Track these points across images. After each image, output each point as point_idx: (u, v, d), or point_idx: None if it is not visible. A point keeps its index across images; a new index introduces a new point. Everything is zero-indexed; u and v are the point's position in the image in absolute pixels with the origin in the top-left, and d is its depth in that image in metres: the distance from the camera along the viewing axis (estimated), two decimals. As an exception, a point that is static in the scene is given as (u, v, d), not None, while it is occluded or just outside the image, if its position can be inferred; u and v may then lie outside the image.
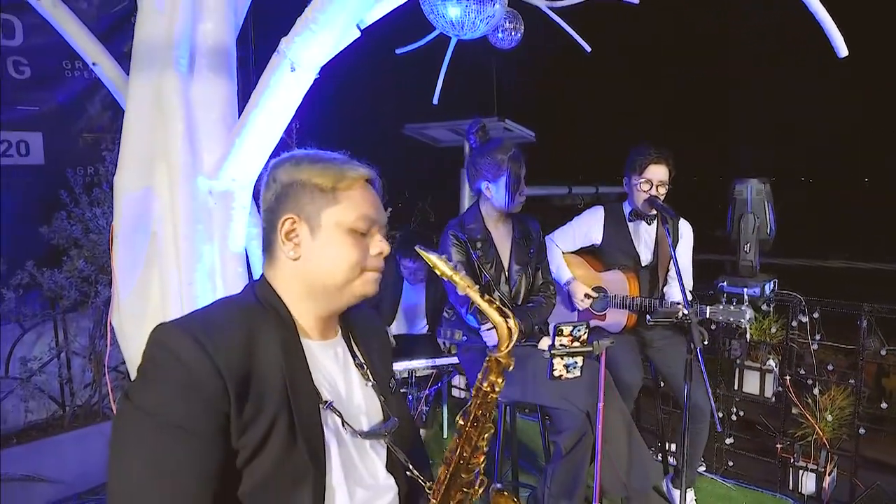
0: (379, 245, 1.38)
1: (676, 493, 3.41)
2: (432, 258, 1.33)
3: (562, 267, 3.45)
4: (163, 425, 1.11)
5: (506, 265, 2.91)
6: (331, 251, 1.33)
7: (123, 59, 2.18)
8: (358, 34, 2.10)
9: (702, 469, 3.92)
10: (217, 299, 1.38)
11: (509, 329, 1.30)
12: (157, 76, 1.98)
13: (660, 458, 3.72)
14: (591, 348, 2.21)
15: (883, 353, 3.53)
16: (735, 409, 3.97)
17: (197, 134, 2.05)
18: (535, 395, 2.66)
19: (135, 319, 2.25)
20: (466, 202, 5.93)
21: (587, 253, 3.57)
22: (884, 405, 3.52)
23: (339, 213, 1.33)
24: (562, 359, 2.18)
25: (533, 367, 2.60)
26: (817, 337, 3.66)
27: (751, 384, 3.99)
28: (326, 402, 1.29)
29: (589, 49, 4.90)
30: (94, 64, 2.23)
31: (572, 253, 3.56)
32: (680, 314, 2.65)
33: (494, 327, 1.31)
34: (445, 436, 4.47)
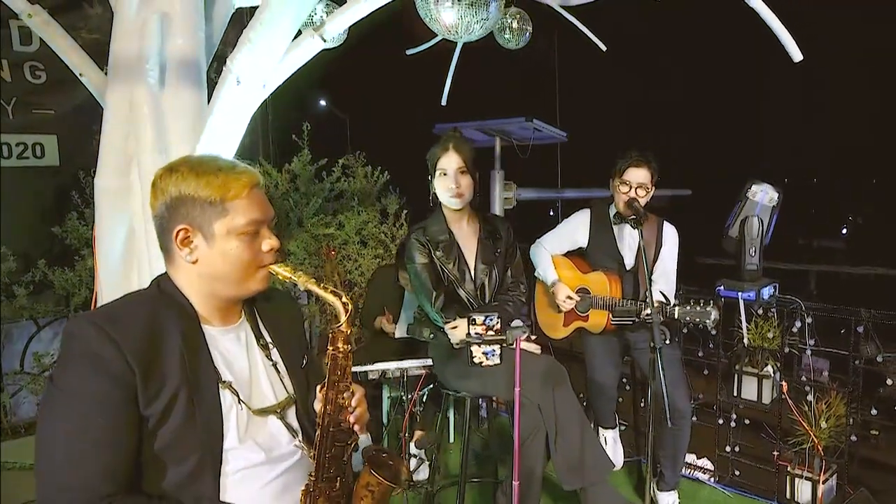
0: (269, 242, 1.65)
1: (662, 497, 3.61)
2: (277, 269, 1.65)
3: (548, 269, 3.70)
4: (79, 399, 1.44)
5: (471, 264, 3.16)
6: (226, 256, 1.60)
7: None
8: (324, 46, 2.40)
9: (710, 479, 4.09)
10: (127, 293, 1.71)
11: (343, 304, 1.60)
12: (130, 88, 2.32)
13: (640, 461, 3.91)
14: (504, 337, 2.46)
15: (879, 359, 3.67)
16: (736, 416, 4.13)
17: (168, 139, 2.38)
18: (494, 389, 2.92)
19: (116, 311, 2.59)
20: (497, 203, 6.19)
21: (576, 255, 3.81)
22: (874, 411, 3.66)
23: (229, 223, 1.58)
24: (479, 346, 2.44)
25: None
26: (811, 342, 3.81)
27: (749, 390, 4.16)
28: (225, 381, 1.61)
29: (604, 48, 5.08)
30: (80, 75, 2.57)
31: (563, 255, 3.80)
32: (643, 314, 2.89)
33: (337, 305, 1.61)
34: (452, 440, 4.70)
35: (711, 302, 2.98)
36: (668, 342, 2.97)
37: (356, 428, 1.65)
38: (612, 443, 3.79)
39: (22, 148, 4.51)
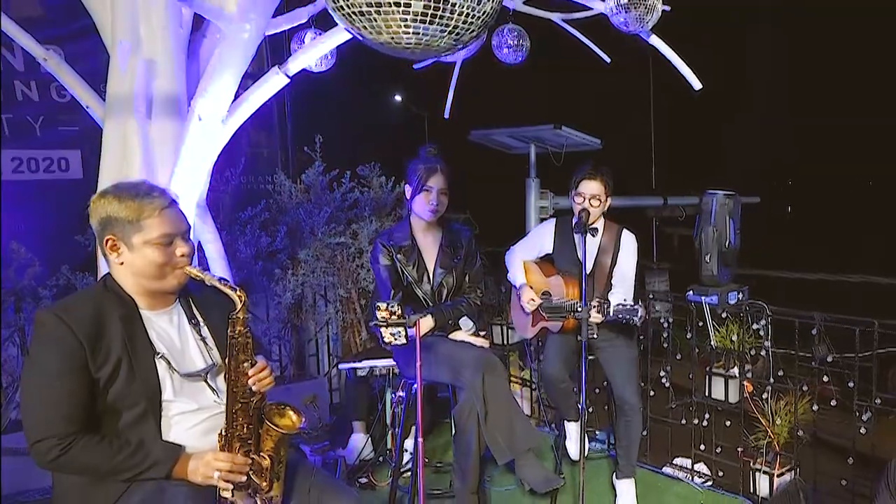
0: (181, 249, 2.33)
1: (619, 484, 4.24)
2: (189, 270, 2.35)
3: (518, 272, 4.35)
4: (44, 368, 2.18)
5: (430, 268, 3.85)
6: (144, 259, 2.28)
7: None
8: (287, 81, 3.14)
9: (695, 478, 4.68)
10: (82, 289, 2.45)
11: (238, 296, 2.32)
12: (123, 120, 3.08)
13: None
14: (405, 320, 3.14)
15: (829, 360, 4.22)
16: (709, 416, 4.70)
17: (155, 163, 3.13)
18: (437, 375, 3.59)
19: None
20: (533, 212, 6.71)
21: (545, 260, 4.46)
22: (815, 407, 4.21)
23: (144, 236, 2.25)
24: (387, 328, 3.12)
25: (435, 353, 3.55)
26: (767, 344, 4.38)
27: (717, 390, 4.74)
28: (159, 353, 2.34)
29: (609, 60, 5.63)
30: (86, 107, 3.35)
31: (534, 260, 4.46)
32: (573, 312, 3.57)
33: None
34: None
35: (640, 302, 3.61)
36: (594, 336, 3.62)
37: (254, 388, 2.36)
38: (574, 435, 4.41)
39: (48, 162, 5.35)
